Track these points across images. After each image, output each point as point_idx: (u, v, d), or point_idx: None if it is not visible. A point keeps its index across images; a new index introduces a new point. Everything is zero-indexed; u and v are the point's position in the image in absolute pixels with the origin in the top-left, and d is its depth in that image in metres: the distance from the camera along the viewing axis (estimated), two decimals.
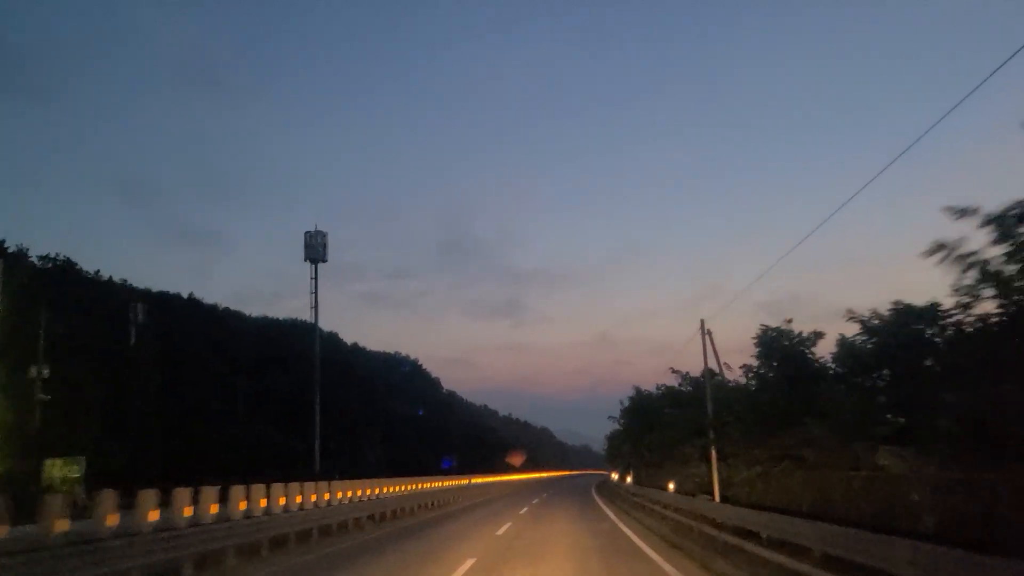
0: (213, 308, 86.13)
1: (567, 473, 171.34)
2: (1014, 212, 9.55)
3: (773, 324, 19.81)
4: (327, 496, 23.81)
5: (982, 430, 10.58)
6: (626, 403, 50.95)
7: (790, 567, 12.31)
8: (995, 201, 9.75)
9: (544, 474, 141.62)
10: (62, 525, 11.27)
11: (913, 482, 11.72)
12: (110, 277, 66.05)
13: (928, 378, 11.93)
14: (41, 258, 54.28)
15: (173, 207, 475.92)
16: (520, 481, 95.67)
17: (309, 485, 22.24)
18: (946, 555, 8.64)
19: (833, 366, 17.41)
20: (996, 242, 9.79)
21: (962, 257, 10.17)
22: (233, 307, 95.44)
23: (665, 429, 35.82)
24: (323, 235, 56.67)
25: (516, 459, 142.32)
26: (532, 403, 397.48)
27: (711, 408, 25.61)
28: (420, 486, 38.97)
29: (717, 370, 28.52)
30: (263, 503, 18.49)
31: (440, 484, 46.64)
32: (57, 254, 56.72)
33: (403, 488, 34.66)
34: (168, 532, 12.82)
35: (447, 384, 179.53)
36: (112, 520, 12.06)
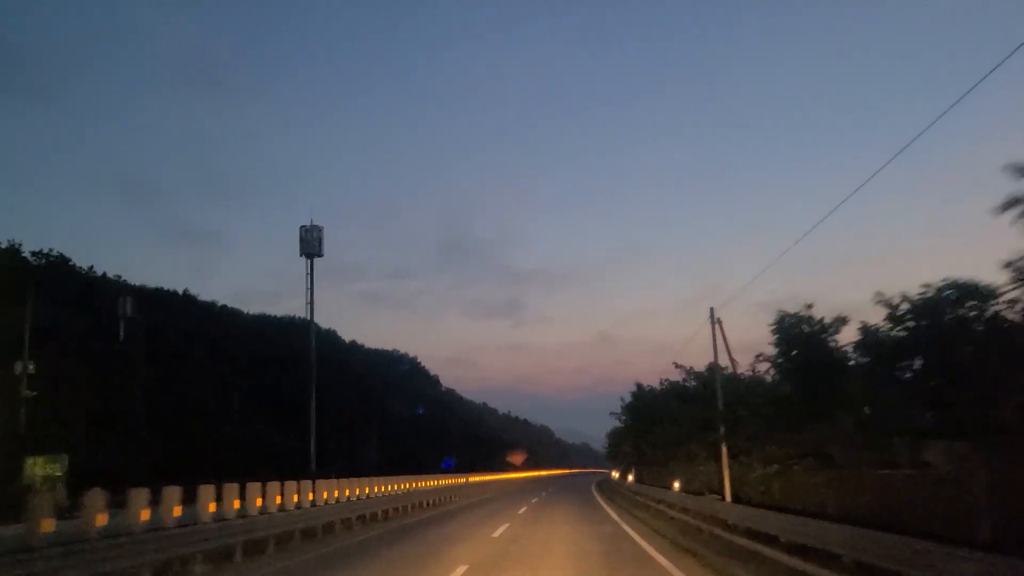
0: (210, 305, 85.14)
1: (567, 471, 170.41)
2: None
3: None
4: (311, 496, 22.40)
5: None
6: (627, 399, 49.75)
7: None
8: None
9: (544, 472, 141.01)
10: (48, 525, 10.86)
11: (966, 482, 10.28)
12: (104, 273, 65.03)
13: (982, 363, 10.47)
14: (34, 254, 53.38)
15: (173, 206, 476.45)
16: (520, 479, 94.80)
17: (291, 484, 20.80)
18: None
19: (855, 355, 16.13)
20: None
21: None
22: (232, 306, 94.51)
23: (669, 425, 34.49)
24: (319, 229, 55.38)
25: (516, 458, 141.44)
26: (532, 402, 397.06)
27: (721, 401, 24.25)
28: (414, 485, 37.68)
29: (727, 362, 27.25)
30: (236, 504, 17.05)
31: (436, 483, 45.44)
32: (51, 250, 55.84)
33: (396, 487, 33.27)
34: (108, 540, 11.25)
35: (446, 383, 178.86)
36: (48, 525, 10.62)
